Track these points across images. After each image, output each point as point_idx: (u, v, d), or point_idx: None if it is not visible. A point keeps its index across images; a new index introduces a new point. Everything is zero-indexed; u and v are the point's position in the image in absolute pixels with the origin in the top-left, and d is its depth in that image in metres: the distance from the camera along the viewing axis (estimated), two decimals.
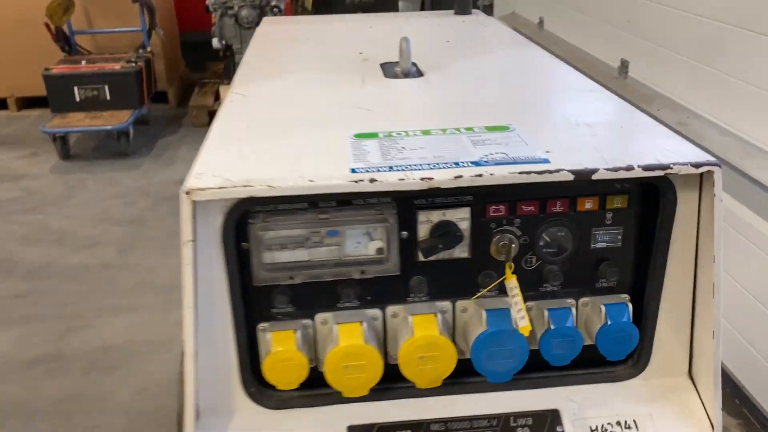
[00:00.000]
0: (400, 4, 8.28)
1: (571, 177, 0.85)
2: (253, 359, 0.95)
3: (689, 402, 1.01)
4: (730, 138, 2.15)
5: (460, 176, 0.83)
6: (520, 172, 0.84)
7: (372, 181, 0.82)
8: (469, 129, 1.00)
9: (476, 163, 0.86)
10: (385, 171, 0.84)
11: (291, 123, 1.08)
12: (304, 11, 6.64)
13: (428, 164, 0.86)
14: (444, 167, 0.85)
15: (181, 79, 5.91)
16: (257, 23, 5.15)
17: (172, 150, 4.67)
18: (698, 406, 1.00)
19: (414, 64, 1.35)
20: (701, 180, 0.89)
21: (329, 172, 0.84)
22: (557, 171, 0.84)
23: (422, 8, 9.08)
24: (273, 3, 5.24)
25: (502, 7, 5.03)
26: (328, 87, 1.29)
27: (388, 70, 1.37)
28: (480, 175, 0.83)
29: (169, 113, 5.45)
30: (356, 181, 0.82)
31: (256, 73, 1.37)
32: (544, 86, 1.32)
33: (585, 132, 0.99)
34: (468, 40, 1.68)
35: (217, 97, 5.30)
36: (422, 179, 0.83)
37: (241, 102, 1.17)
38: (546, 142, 0.94)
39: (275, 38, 1.72)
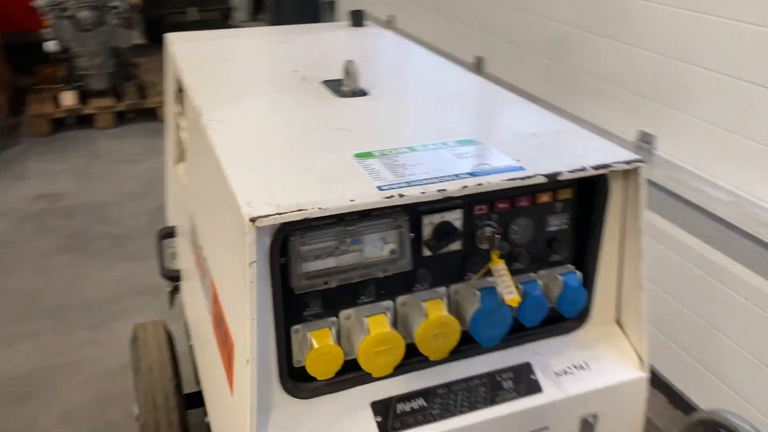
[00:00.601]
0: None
1: (544, 180, 1.09)
2: (288, 358, 1.09)
3: (621, 343, 1.31)
4: (582, 124, 2.56)
5: (466, 186, 1.04)
6: (509, 179, 1.06)
7: (401, 195, 1.00)
8: (443, 144, 1.20)
9: (473, 174, 1.07)
10: (405, 186, 1.02)
11: (287, 148, 1.22)
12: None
13: (436, 178, 1.05)
14: (449, 179, 1.05)
15: (10, 84, 5.46)
16: (98, 24, 4.93)
17: (19, 164, 4.35)
18: (628, 346, 1.31)
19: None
20: (627, 173, 1.18)
21: (361, 190, 1.01)
22: (533, 176, 1.08)
23: (255, 14, 9.06)
24: (111, 3, 5.03)
25: (347, 5, 5.24)
26: (291, 108, 1.43)
27: (334, 88, 1.53)
28: (480, 184, 1.05)
29: (2, 123, 5.04)
30: (389, 197, 0.99)
31: (213, 98, 1.46)
32: (476, 99, 1.55)
33: (534, 141, 1.23)
34: (383, 55, 1.88)
35: (57, 104, 4.99)
36: (439, 191, 1.02)
37: (224, 130, 1.27)
38: (510, 152, 1.17)
39: (201, 58, 1.79)
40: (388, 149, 1.17)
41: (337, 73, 1.64)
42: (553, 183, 1.13)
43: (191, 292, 1.69)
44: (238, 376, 1.07)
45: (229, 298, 1.14)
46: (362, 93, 1.51)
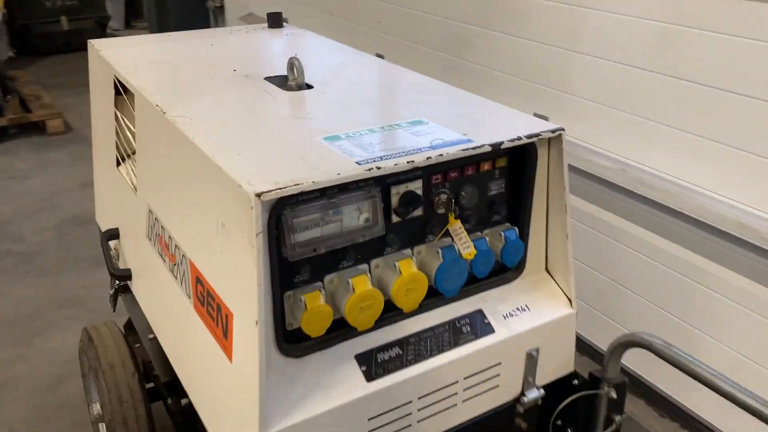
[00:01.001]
0: (108, 4, 7.95)
1: (489, 149, 1.29)
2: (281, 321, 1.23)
3: (552, 287, 1.55)
4: None
5: (430, 157, 1.22)
6: (463, 149, 1.25)
7: (378, 168, 1.16)
8: (398, 125, 1.38)
9: (432, 148, 1.25)
10: (379, 160, 1.19)
11: (260, 135, 1.34)
12: None
13: (402, 152, 1.22)
14: (414, 153, 1.22)
15: None
16: None
17: None
18: (558, 289, 1.54)
19: None
20: (551, 140, 1.40)
21: (343, 166, 1.16)
22: (481, 146, 1.28)
23: (129, 22, 8.80)
24: None
25: (235, 9, 5.29)
26: (248, 102, 1.55)
27: (279, 83, 1.66)
28: (441, 155, 1.23)
29: None
30: (368, 170, 1.15)
31: (170, 97, 1.54)
32: (410, 87, 1.73)
33: (472, 119, 1.44)
34: (312, 52, 2.02)
35: None
36: (408, 162, 1.19)
37: (194, 124, 1.37)
38: (456, 128, 1.36)
39: (138, 62, 1.85)
40: (352, 132, 1.33)
41: (274, 71, 1.77)
42: (493, 153, 1.33)
43: (150, 286, 1.76)
44: (240, 342, 1.19)
45: (221, 274, 1.25)
46: (308, 86, 1.65)
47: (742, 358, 2.11)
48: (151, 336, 1.83)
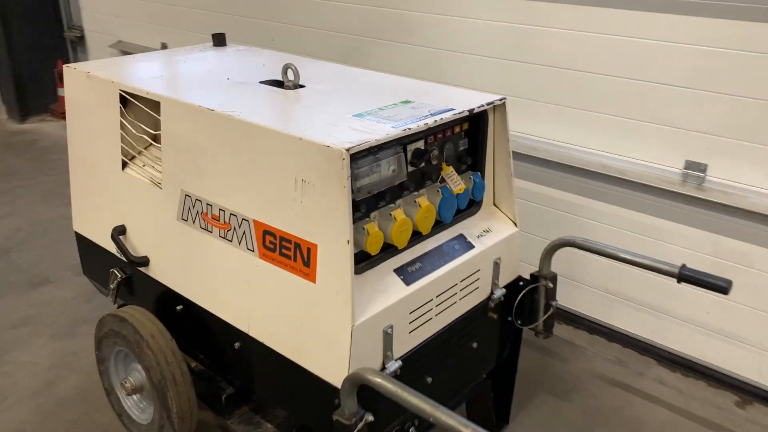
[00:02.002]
0: None
1: (467, 113, 1.86)
2: None
3: (501, 216, 2.16)
4: None
5: (435, 120, 1.76)
6: (453, 115, 1.82)
7: (409, 129, 1.69)
8: (394, 105, 1.90)
9: (432, 115, 1.80)
10: (405, 125, 1.71)
11: (303, 117, 1.79)
12: None
13: (417, 119, 1.75)
14: (423, 119, 1.76)
15: None
16: None
17: None
18: (505, 217, 2.16)
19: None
20: (497, 106, 2.01)
21: (385, 130, 1.66)
22: (462, 112, 1.85)
23: None
24: None
25: (100, 38, 5.37)
26: (268, 98, 1.98)
27: (276, 85, 2.11)
28: (442, 119, 1.78)
29: None
30: (404, 130, 1.67)
31: (202, 100, 1.92)
32: (375, 79, 2.24)
33: (440, 96, 2.00)
34: (275, 63, 2.46)
35: None
36: (425, 125, 1.73)
37: (246, 115, 1.79)
38: (439, 103, 1.91)
39: (137, 77, 2.18)
40: (367, 110, 1.83)
41: (261, 77, 2.20)
42: (468, 116, 1.91)
43: (181, 261, 2.09)
44: (326, 264, 1.64)
45: (299, 219, 1.68)
46: (302, 86, 2.11)
47: (618, 264, 2.89)
48: (179, 308, 2.17)
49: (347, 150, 1.54)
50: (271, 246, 1.78)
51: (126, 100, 2.15)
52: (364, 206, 1.73)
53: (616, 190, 2.77)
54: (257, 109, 1.88)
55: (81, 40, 5.55)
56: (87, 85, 2.29)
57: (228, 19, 4.22)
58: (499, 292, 2.13)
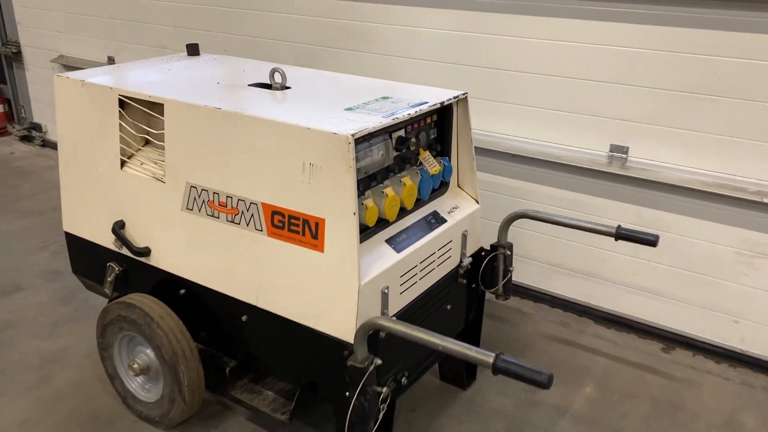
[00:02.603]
0: None
1: (440, 105, 2.20)
2: None
3: (465, 195, 2.51)
4: None
5: (416, 111, 2.09)
6: (430, 106, 2.15)
7: (396, 118, 2.00)
8: (376, 100, 2.21)
9: (413, 107, 2.12)
10: (393, 115, 2.02)
11: (302, 112, 2.07)
12: None
13: (401, 110, 2.07)
14: (406, 110, 2.08)
15: None
16: None
17: None
18: (468, 196, 2.51)
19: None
20: (461, 100, 2.36)
21: (377, 120, 1.97)
22: (435, 104, 2.18)
23: None
24: None
25: (39, 54, 5.38)
26: (264, 98, 2.24)
27: (265, 87, 2.37)
28: (421, 109, 2.11)
29: None
30: (394, 119, 1.99)
31: (204, 101, 2.17)
32: (348, 80, 2.54)
33: (409, 91, 2.33)
34: (253, 68, 2.71)
35: None
36: (408, 115, 2.05)
37: (252, 111, 2.05)
38: (413, 98, 2.24)
39: (134, 83, 2.39)
40: (355, 105, 2.14)
41: (248, 81, 2.46)
42: (436, 110, 2.25)
43: (185, 247, 2.31)
44: (333, 235, 1.92)
45: (306, 199, 1.95)
46: (288, 87, 2.39)
47: (556, 239, 3.30)
48: (182, 291, 2.39)
49: (352, 135, 1.84)
50: (280, 224, 2.05)
51: (123, 104, 2.36)
52: (361, 185, 2.03)
53: (553, 174, 3.18)
54: (258, 107, 2.15)
55: (17, 55, 5.53)
56: (81, 92, 2.47)
57: (178, 32, 4.40)
58: (467, 260, 2.47)
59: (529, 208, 2.53)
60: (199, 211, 2.24)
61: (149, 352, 2.42)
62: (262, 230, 2.09)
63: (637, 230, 2.30)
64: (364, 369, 1.87)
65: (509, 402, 2.72)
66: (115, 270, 2.57)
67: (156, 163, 2.36)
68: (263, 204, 2.07)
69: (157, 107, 2.27)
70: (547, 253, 3.35)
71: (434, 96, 2.28)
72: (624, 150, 2.97)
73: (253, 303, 2.19)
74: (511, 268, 2.60)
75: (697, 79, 2.74)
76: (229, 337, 2.36)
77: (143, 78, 2.51)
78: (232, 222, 2.16)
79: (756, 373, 2.94)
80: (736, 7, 2.58)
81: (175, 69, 2.69)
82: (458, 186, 2.53)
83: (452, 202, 2.45)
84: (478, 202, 2.50)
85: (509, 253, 2.56)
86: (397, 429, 2.52)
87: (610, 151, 3.00)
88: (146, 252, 2.44)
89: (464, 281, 2.51)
